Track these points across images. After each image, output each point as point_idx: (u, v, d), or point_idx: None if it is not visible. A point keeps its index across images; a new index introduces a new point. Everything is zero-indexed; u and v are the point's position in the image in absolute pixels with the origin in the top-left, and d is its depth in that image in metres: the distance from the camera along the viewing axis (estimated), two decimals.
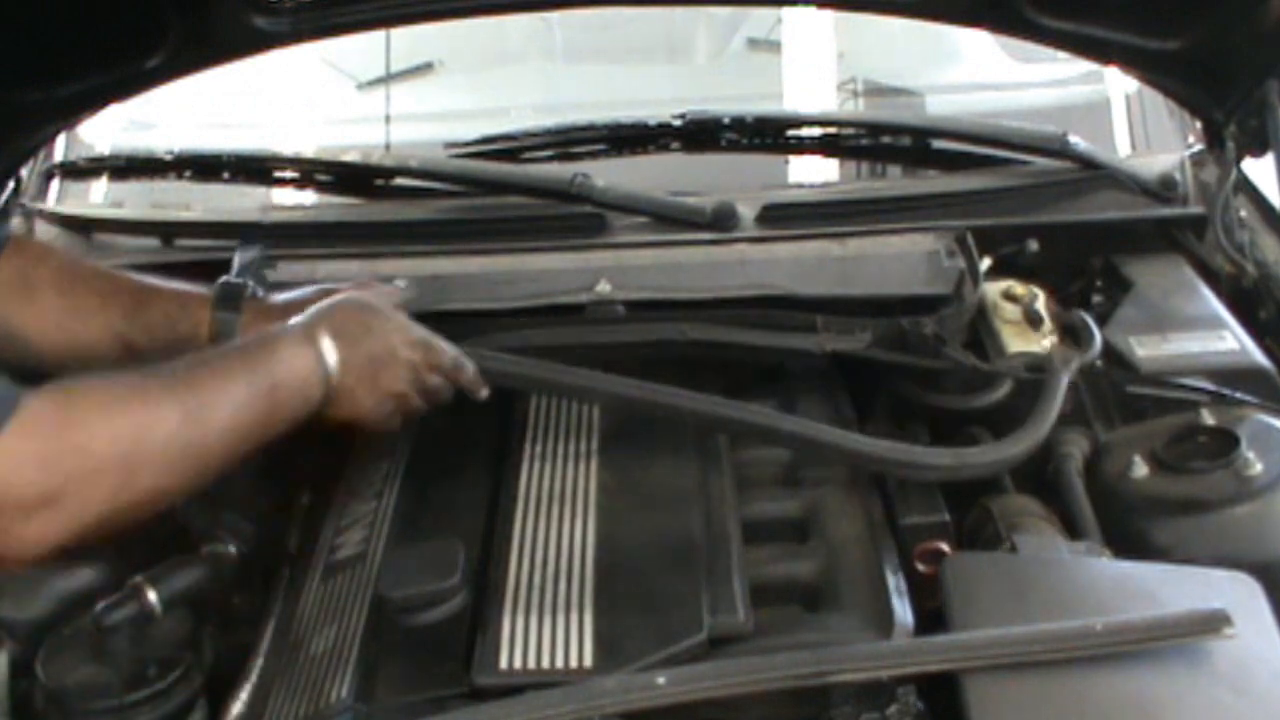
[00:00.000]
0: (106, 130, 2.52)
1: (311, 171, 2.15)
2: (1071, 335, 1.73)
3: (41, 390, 1.16)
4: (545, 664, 1.26)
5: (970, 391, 1.69)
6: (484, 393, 1.56)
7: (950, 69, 2.95)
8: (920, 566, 1.45)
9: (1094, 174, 1.99)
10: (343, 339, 1.40)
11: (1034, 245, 1.91)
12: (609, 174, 1.98)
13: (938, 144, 2.12)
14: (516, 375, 1.60)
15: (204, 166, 2.11)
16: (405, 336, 1.48)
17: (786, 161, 2.38)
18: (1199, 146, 2.06)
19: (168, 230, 2.02)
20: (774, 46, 2.87)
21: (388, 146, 2.49)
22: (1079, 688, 1.17)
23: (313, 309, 1.43)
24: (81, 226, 2.07)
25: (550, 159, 2.11)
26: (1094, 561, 1.42)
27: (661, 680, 1.15)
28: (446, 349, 1.52)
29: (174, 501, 1.30)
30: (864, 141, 2.20)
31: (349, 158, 2.13)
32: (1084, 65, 2.42)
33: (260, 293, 1.59)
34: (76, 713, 1.36)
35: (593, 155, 2.10)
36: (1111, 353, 1.71)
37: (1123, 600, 1.28)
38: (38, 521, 1.14)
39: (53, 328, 1.51)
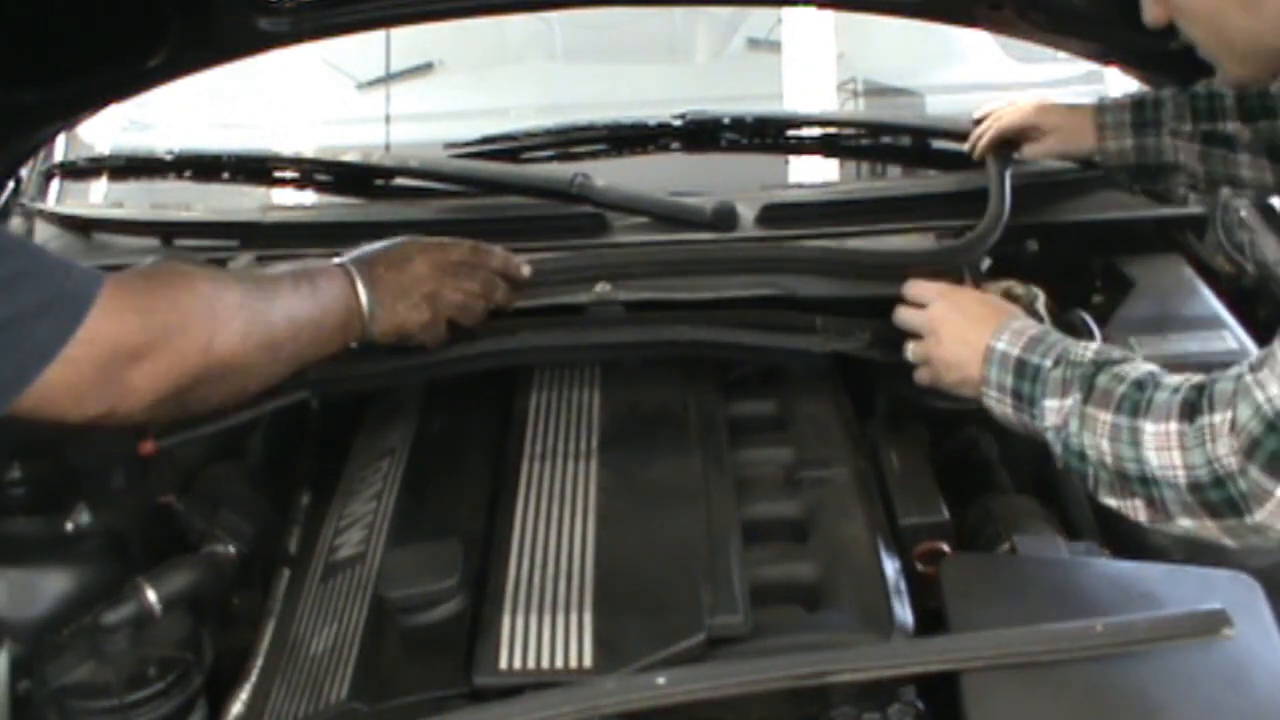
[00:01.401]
0: (106, 130, 2.52)
1: (311, 171, 2.15)
2: (1071, 335, 1.73)
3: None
4: (545, 664, 1.26)
5: None
6: (526, 270, 1.68)
7: (950, 69, 2.95)
8: (920, 566, 1.45)
9: (1094, 174, 1.99)
10: (364, 262, 1.51)
11: (1034, 245, 1.91)
12: (609, 174, 1.98)
13: (938, 144, 2.12)
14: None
15: (204, 166, 2.10)
16: (420, 243, 1.58)
17: (786, 161, 2.38)
18: None
19: (168, 230, 2.02)
20: (774, 46, 2.87)
21: (388, 146, 2.49)
22: (1078, 688, 1.17)
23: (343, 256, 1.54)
24: (81, 226, 2.07)
25: (550, 159, 2.11)
26: (1094, 561, 1.42)
27: (661, 680, 1.15)
28: (464, 241, 1.62)
29: (255, 382, 1.38)
30: (864, 141, 2.20)
31: (349, 158, 2.13)
32: (1084, 65, 2.41)
33: None
34: (76, 713, 1.36)
35: (593, 155, 2.10)
36: None
37: (1122, 600, 1.28)
38: (144, 368, 1.22)
39: None
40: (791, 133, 2.17)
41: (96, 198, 2.32)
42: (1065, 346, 1.36)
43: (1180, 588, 1.29)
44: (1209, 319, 1.77)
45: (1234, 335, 1.74)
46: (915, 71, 2.89)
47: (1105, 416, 1.27)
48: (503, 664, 1.26)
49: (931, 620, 1.32)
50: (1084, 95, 2.64)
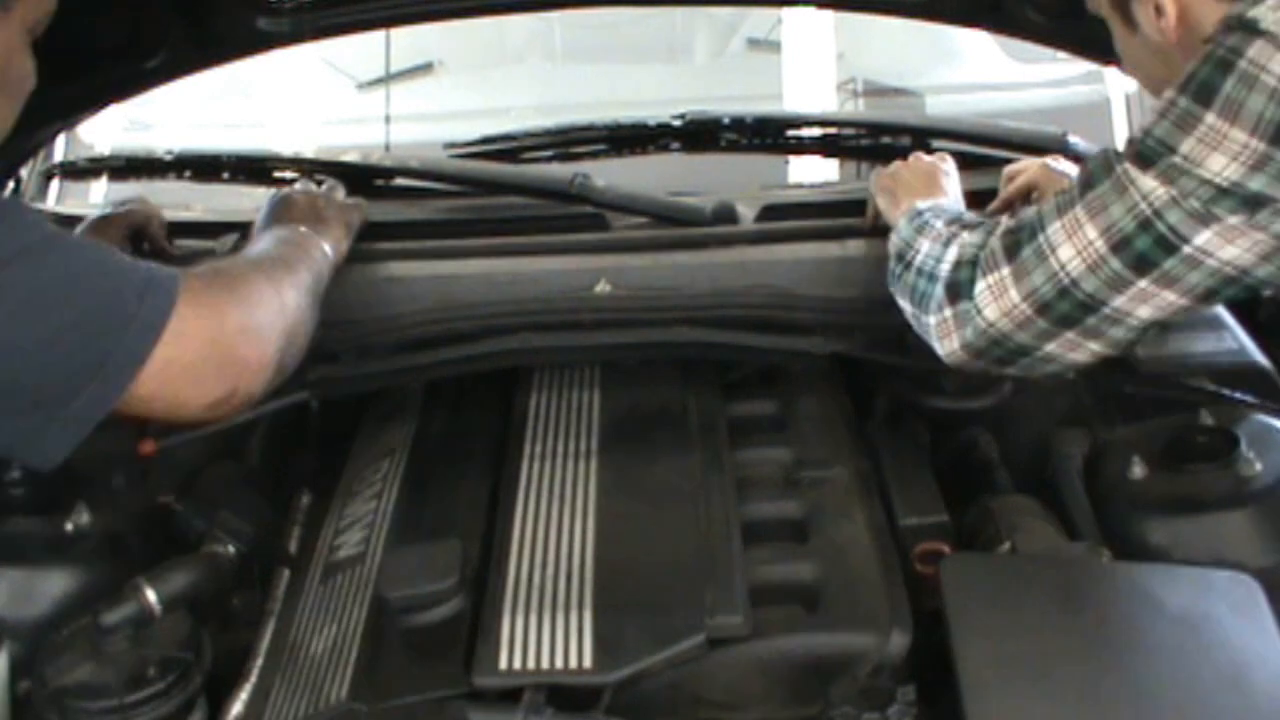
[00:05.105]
0: (106, 130, 2.52)
1: (311, 171, 2.14)
2: None
3: None
4: (545, 664, 1.26)
5: (970, 393, 1.69)
6: None
7: (950, 69, 2.95)
8: (920, 566, 1.45)
9: None
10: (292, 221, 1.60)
11: None
12: (609, 174, 1.97)
13: (938, 144, 2.12)
14: None
15: (204, 166, 2.10)
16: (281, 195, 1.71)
17: (786, 161, 2.38)
18: None
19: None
20: (774, 46, 2.87)
21: (388, 146, 2.48)
22: (1078, 688, 1.17)
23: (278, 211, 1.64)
24: None
25: (550, 159, 2.10)
26: (1094, 561, 1.42)
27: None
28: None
29: (308, 337, 1.40)
30: (864, 141, 2.20)
31: (349, 158, 2.13)
32: (1084, 65, 2.41)
33: None
34: (76, 713, 1.36)
35: (593, 155, 2.09)
36: None
37: (1123, 600, 1.28)
38: (249, 338, 1.26)
39: None
40: (791, 133, 2.16)
41: (96, 198, 2.32)
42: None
43: (1180, 588, 1.29)
44: (1209, 320, 1.77)
45: (1234, 336, 1.73)
46: (915, 71, 2.89)
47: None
48: (503, 664, 1.27)
49: (931, 620, 1.32)
50: (1084, 95, 2.66)
